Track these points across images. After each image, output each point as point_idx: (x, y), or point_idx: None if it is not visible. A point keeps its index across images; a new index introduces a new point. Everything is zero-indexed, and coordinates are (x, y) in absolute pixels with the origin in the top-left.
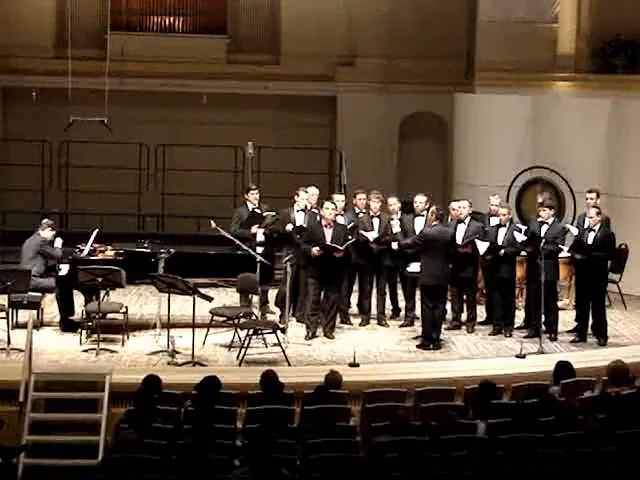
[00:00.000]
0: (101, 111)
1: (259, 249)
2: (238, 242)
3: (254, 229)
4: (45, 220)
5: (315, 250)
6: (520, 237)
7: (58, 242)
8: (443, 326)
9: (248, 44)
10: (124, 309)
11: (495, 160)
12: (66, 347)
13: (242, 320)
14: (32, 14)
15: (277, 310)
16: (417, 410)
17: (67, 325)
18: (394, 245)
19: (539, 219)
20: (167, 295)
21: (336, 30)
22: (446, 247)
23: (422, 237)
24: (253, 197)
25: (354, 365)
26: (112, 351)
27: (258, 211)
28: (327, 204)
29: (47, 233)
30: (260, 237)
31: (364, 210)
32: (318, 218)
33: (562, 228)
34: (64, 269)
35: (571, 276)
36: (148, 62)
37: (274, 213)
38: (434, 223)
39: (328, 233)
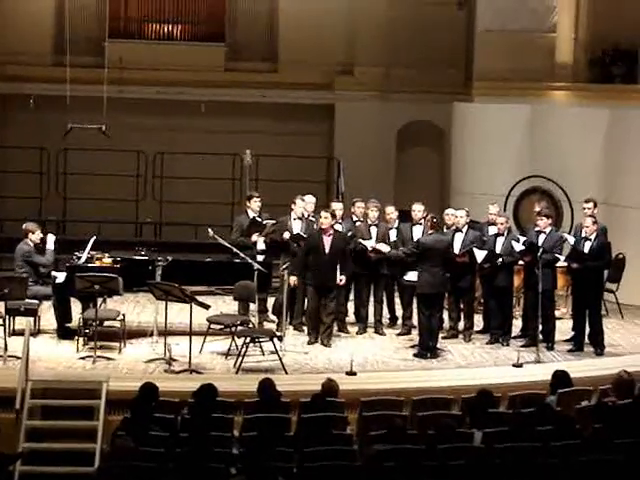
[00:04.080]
0: (99, 119)
1: (260, 257)
2: (236, 250)
3: (254, 237)
4: (24, 225)
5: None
6: (518, 246)
7: (50, 241)
8: (440, 335)
9: (246, 52)
10: (121, 317)
11: (493, 169)
12: (63, 354)
13: (239, 328)
14: (30, 21)
15: (275, 318)
16: (414, 419)
17: (64, 332)
18: (385, 248)
19: (536, 228)
20: (164, 303)
21: (334, 38)
22: (442, 255)
23: (418, 246)
24: (255, 205)
25: (351, 373)
26: (109, 359)
27: (258, 219)
28: (322, 213)
29: (35, 237)
30: (261, 245)
31: (362, 218)
32: (315, 226)
33: (560, 237)
34: (61, 276)
35: (568, 285)
36: (146, 70)
37: (274, 221)
38: (430, 232)
39: (327, 241)
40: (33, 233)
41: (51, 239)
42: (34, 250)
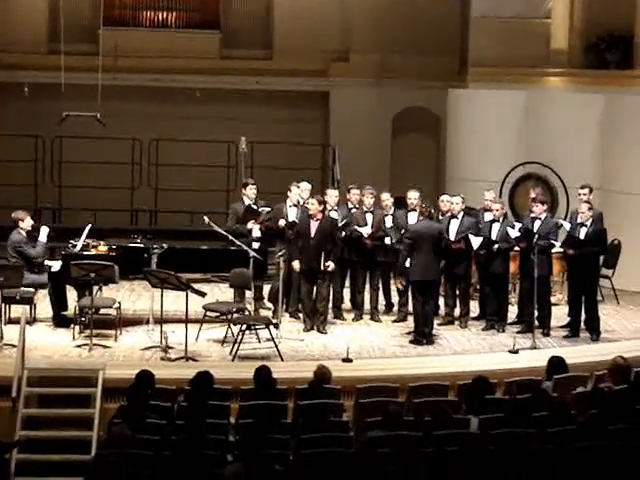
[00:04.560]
0: (94, 106)
1: (255, 244)
2: (231, 237)
3: (250, 225)
4: (13, 214)
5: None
6: (513, 233)
7: (43, 233)
8: (436, 321)
9: (241, 39)
10: (117, 304)
11: (488, 155)
12: (59, 342)
13: (235, 315)
14: (25, 9)
15: (271, 305)
16: (410, 405)
17: (60, 320)
18: (387, 240)
19: (532, 214)
20: (160, 290)
21: (329, 25)
22: (433, 242)
23: (410, 234)
24: (251, 192)
25: (347, 360)
26: (105, 346)
27: (254, 207)
28: (311, 200)
29: (25, 224)
30: (256, 233)
31: (357, 205)
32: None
33: (555, 223)
34: (56, 265)
35: (564, 271)
36: (141, 57)
37: (269, 209)
38: (420, 218)
39: (314, 226)
40: (23, 221)
41: (44, 231)
42: (25, 240)
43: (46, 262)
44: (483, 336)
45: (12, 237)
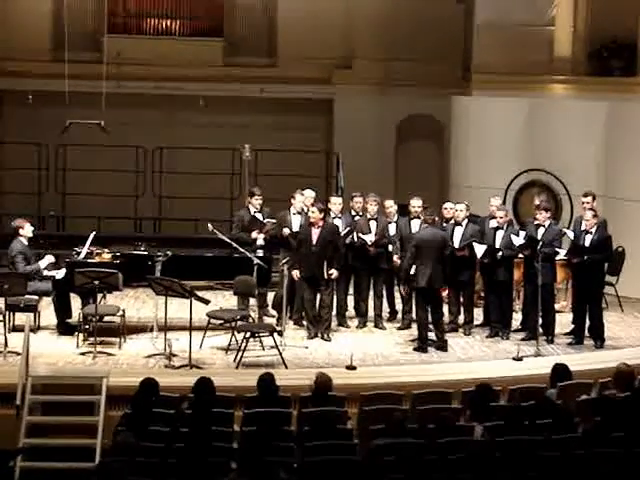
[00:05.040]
0: (98, 114)
1: (259, 252)
2: (235, 245)
3: (254, 234)
4: (13, 223)
5: (295, 274)
6: (517, 240)
7: (46, 260)
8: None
9: (245, 47)
10: (121, 312)
11: (492, 163)
12: (63, 350)
13: (239, 323)
14: (29, 17)
15: (275, 313)
16: (414, 413)
17: (64, 328)
18: (390, 247)
19: (536, 222)
20: (164, 298)
21: (333, 33)
22: (438, 249)
23: (415, 243)
24: (257, 202)
25: (351, 368)
26: (109, 354)
27: (259, 216)
28: (312, 209)
29: (25, 232)
30: (260, 242)
31: (361, 213)
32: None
33: (559, 231)
34: (61, 272)
35: (568, 279)
36: (145, 65)
37: (274, 221)
38: (424, 226)
39: (315, 234)
40: (23, 228)
41: (47, 260)
42: (24, 249)
43: (47, 272)
44: (487, 343)
45: (13, 245)
